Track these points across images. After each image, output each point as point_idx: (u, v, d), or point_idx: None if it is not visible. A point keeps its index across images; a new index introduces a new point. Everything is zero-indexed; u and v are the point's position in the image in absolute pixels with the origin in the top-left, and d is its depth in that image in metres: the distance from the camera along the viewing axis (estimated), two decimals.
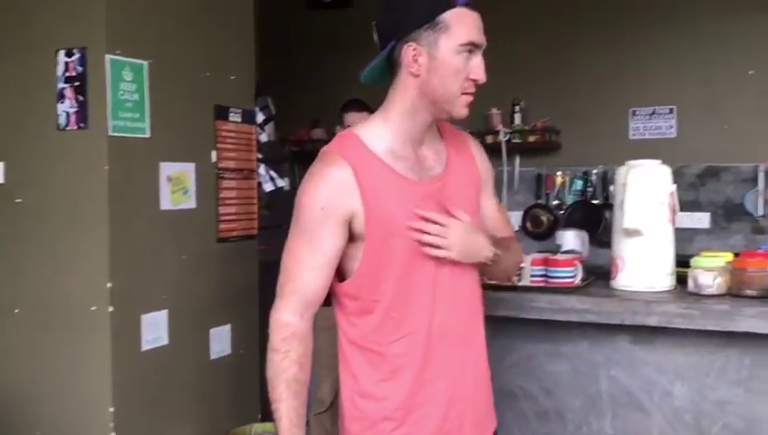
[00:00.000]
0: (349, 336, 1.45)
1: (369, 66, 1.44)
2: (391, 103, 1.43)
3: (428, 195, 1.42)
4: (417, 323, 1.42)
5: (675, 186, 2.09)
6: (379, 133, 1.42)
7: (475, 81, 1.39)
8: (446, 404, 1.45)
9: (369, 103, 2.89)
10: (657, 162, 2.13)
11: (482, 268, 1.52)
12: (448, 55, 1.36)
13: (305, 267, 1.39)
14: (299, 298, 1.40)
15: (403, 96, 1.41)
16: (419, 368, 1.42)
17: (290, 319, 1.40)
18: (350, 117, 2.98)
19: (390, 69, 1.42)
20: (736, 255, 2.11)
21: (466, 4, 1.38)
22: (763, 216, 3.63)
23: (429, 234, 1.39)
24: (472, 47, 1.37)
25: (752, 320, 1.83)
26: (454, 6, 1.36)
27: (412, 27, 1.36)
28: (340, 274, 1.44)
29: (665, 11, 3.79)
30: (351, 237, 1.39)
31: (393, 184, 1.39)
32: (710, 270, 1.96)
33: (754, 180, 3.64)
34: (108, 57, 2.40)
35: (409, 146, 1.43)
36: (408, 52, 1.37)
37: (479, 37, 1.38)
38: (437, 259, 1.41)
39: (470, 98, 1.40)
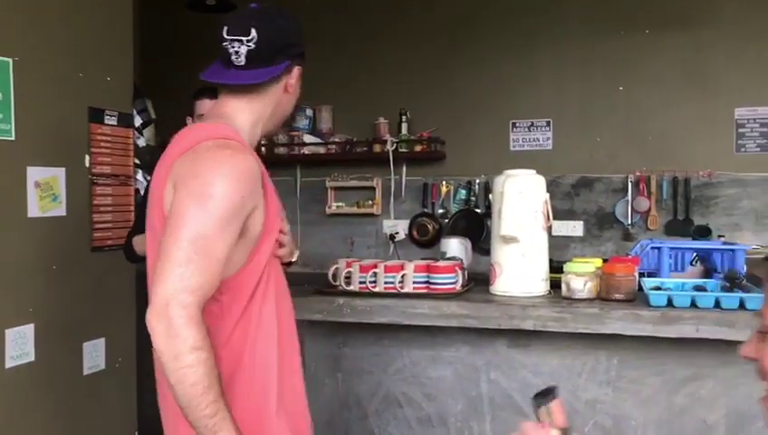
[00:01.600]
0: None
1: (266, 75, 1.45)
2: (257, 111, 1.48)
3: None
4: (288, 323, 1.50)
5: (548, 195, 2.17)
6: (245, 134, 1.44)
7: None
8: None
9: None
10: (531, 172, 2.21)
11: None
12: (299, 82, 1.54)
13: (214, 260, 1.29)
14: (205, 293, 1.29)
15: (274, 108, 1.50)
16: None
17: (200, 315, 1.29)
18: (205, 104, 2.83)
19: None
20: (605, 261, 2.23)
21: None
22: (632, 224, 3.86)
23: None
24: None
25: (619, 322, 1.92)
26: None
27: (301, 50, 1.52)
28: None
29: (543, 29, 3.97)
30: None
31: (270, 182, 1.45)
32: (581, 275, 2.05)
33: (624, 190, 3.87)
34: None
35: None
36: (297, 73, 1.51)
37: None
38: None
39: None
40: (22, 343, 2.40)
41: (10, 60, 2.38)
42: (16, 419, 2.35)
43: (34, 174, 2.43)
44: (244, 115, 1.46)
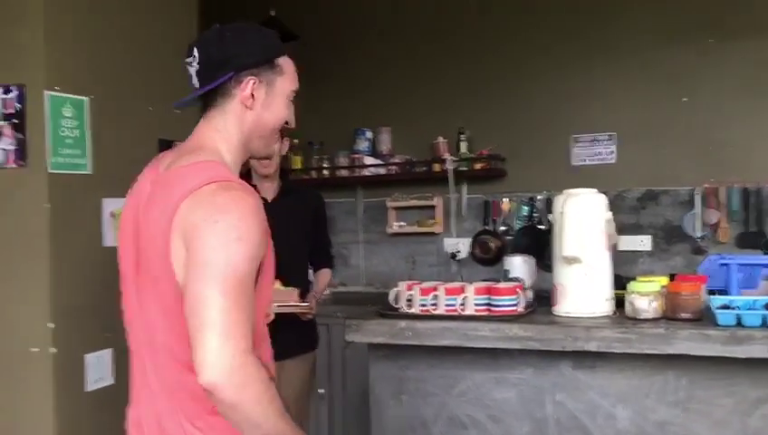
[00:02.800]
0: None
1: (198, 92, 1.45)
2: (229, 133, 1.45)
3: None
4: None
5: (611, 213, 2.15)
6: (229, 164, 1.44)
7: (287, 125, 1.52)
8: None
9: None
10: (593, 191, 2.19)
11: None
12: (281, 97, 1.47)
13: (252, 304, 1.31)
14: (253, 332, 1.31)
15: (240, 127, 1.45)
16: None
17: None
18: None
19: (212, 99, 1.45)
20: (672, 278, 2.18)
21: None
22: (701, 237, 3.75)
23: None
24: (294, 95, 1.52)
25: (686, 342, 1.88)
26: (284, 54, 1.49)
27: (251, 62, 1.43)
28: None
29: (603, 41, 3.93)
30: None
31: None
32: (646, 295, 2.01)
33: (692, 203, 3.77)
34: (47, 93, 2.38)
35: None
36: (248, 84, 1.43)
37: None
38: None
39: (279, 140, 1.53)
40: (101, 368, 2.52)
41: (86, 98, 2.52)
42: None
43: (109, 205, 2.56)
44: (224, 146, 1.44)
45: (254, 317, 1.31)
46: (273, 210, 2.73)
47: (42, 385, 2.36)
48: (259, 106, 1.45)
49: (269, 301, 1.51)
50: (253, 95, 1.44)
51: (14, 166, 2.37)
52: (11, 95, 2.38)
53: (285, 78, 1.47)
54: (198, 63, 1.43)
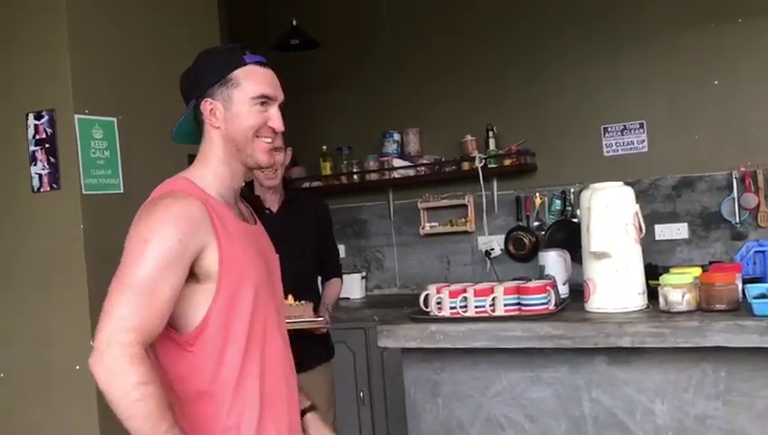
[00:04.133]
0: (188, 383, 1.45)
1: (176, 125, 1.57)
2: (204, 155, 1.53)
3: (259, 241, 1.59)
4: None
5: (638, 206, 2.12)
6: (208, 179, 1.51)
7: (273, 129, 1.53)
8: None
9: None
10: (619, 184, 2.16)
11: None
12: (242, 107, 1.50)
13: (156, 300, 1.34)
14: (147, 332, 1.33)
15: (212, 147, 1.52)
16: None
17: (143, 352, 1.33)
18: None
19: (198, 126, 1.55)
20: (705, 269, 2.14)
21: (258, 63, 1.54)
22: (741, 222, 3.67)
23: None
24: (265, 99, 1.52)
25: (721, 334, 1.85)
26: (245, 65, 1.52)
27: (207, 85, 1.50)
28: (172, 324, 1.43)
29: (628, 29, 3.86)
30: (193, 278, 1.41)
31: (238, 226, 1.51)
32: (678, 287, 1.98)
33: (729, 187, 3.69)
34: (76, 117, 2.44)
35: (232, 195, 1.55)
36: (206, 106, 1.50)
37: (272, 91, 1.53)
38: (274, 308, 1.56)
39: (270, 145, 1.54)
40: None
41: (115, 119, 2.58)
42: None
43: None
44: (203, 164, 1.52)
45: (155, 317, 1.34)
46: (278, 221, 2.70)
47: (86, 402, 2.42)
48: (223, 123, 1.50)
49: (261, 317, 1.50)
50: (215, 115, 1.50)
51: (48, 190, 2.44)
52: (42, 121, 2.45)
53: (242, 88, 1.50)
54: (182, 94, 1.58)
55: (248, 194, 2.64)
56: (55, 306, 2.46)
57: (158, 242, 1.35)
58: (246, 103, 1.50)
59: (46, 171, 2.44)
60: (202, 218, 1.41)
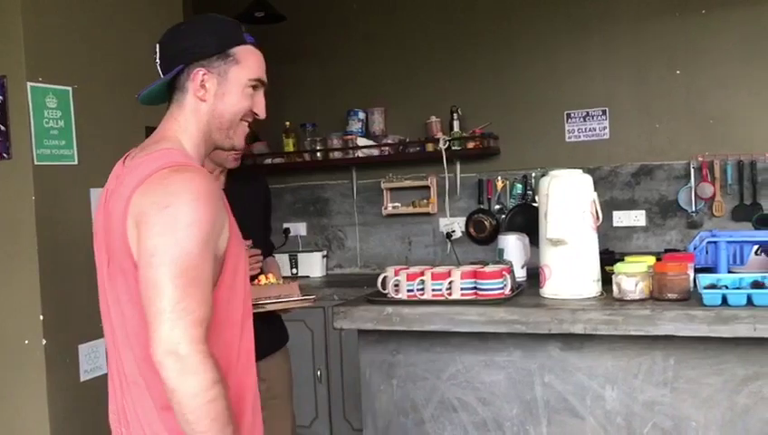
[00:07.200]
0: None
1: (149, 88, 1.47)
2: (185, 127, 1.44)
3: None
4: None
5: (596, 194, 2.14)
6: (193, 153, 1.44)
7: (256, 115, 1.48)
8: None
9: None
10: (578, 171, 2.17)
11: None
12: (237, 86, 1.43)
13: (207, 288, 1.28)
14: (208, 323, 1.27)
15: (196, 119, 1.44)
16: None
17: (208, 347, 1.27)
18: None
19: (171, 92, 1.46)
20: (659, 258, 2.18)
21: (254, 44, 1.47)
22: (696, 211, 3.74)
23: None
24: (258, 83, 1.46)
25: (671, 323, 1.88)
26: (245, 43, 1.45)
27: (203, 54, 1.41)
28: None
29: (594, 16, 3.88)
30: None
31: (225, 200, 1.45)
32: (632, 276, 2.01)
33: (687, 177, 3.75)
34: (29, 84, 2.36)
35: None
36: (197, 76, 1.41)
37: (264, 75, 1.47)
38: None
39: (248, 130, 1.49)
40: (94, 357, 2.54)
41: (70, 88, 2.50)
42: (91, 430, 2.48)
43: (97, 195, 2.54)
44: (184, 136, 1.43)
45: (210, 303, 1.28)
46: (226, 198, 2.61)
47: (36, 376, 2.37)
48: (212, 97, 1.42)
49: (247, 291, 1.48)
50: (204, 87, 1.41)
51: None
52: None
53: (241, 67, 1.43)
54: (159, 59, 1.44)
55: None
56: (3, 278, 2.40)
57: (197, 223, 1.27)
58: (242, 84, 1.43)
59: None
60: (220, 194, 1.36)
